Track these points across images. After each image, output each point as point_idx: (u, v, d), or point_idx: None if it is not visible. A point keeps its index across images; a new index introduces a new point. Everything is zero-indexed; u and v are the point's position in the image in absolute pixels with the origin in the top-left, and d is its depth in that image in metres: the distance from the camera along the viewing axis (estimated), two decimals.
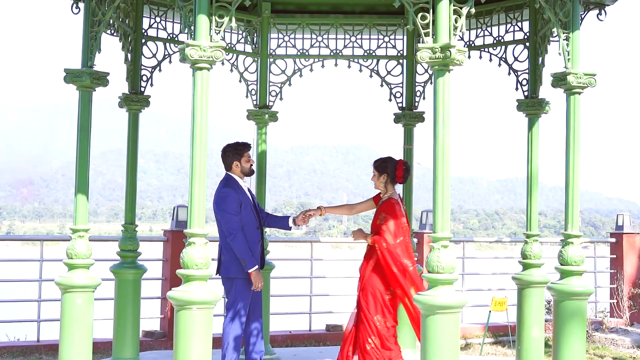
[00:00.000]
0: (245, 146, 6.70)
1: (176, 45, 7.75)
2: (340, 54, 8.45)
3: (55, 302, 7.31)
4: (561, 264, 6.31)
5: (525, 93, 7.58)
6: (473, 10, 5.51)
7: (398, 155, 8.60)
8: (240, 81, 8.35)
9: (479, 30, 7.99)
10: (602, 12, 6.86)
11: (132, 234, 7.56)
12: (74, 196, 6.57)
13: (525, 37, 7.66)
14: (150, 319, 9.63)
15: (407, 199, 8.44)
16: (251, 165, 6.69)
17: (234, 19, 5.55)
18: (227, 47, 8.11)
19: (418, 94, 8.45)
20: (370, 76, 8.47)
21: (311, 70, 8.51)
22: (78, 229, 6.52)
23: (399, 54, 8.47)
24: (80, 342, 6.39)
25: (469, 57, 7.81)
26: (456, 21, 5.43)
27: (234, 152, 6.63)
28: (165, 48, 7.80)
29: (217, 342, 6.68)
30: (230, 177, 6.62)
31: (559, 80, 6.32)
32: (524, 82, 7.61)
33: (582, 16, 6.66)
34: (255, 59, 8.40)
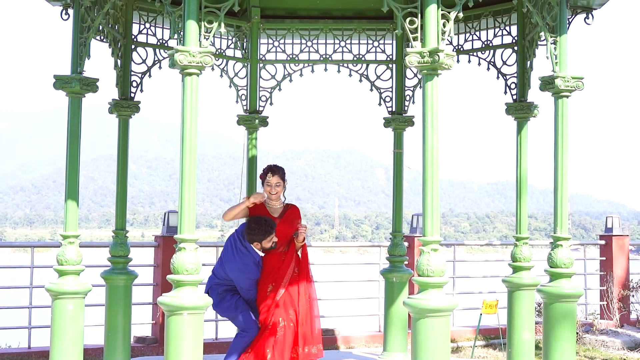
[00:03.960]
0: (267, 233, 6.44)
1: (166, 50, 7.76)
2: (329, 58, 8.48)
3: (46, 309, 7.29)
4: (550, 267, 6.33)
5: (514, 97, 7.62)
6: (461, 15, 5.55)
7: (389, 159, 8.64)
8: (230, 86, 8.36)
9: (467, 35, 8.02)
10: (590, 15, 6.90)
11: (123, 239, 7.56)
12: (64, 202, 6.57)
13: (514, 41, 7.70)
14: (141, 325, 9.61)
15: (397, 202, 8.48)
16: (271, 243, 6.49)
17: (223, 25, 5.56)
18: (217, 53, 8.13)
19: (407, 98, 8.47)
20: (360, 81, 8.49)
21: (301, 75, 8.53)
22: (68, 235, 6.51)
23: (388, 59, 8.50)
24: (71, 349, 6.38)
25: (458, 61, 7.84)
26: (444, 26, 5.46)
27: (258, 235, 6.42)
28: (155, 54, 7.80)
29: (208, 348, 6.68)
30: (251, 250, 6.48)
31: (547, 83, 6.36)
32: (513, 85, 7.64)
33: (570, 20, 6.69)
34: (245, 64, 8.42)
